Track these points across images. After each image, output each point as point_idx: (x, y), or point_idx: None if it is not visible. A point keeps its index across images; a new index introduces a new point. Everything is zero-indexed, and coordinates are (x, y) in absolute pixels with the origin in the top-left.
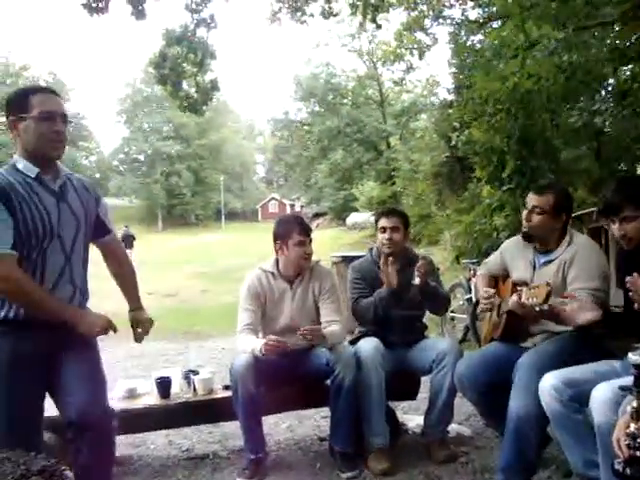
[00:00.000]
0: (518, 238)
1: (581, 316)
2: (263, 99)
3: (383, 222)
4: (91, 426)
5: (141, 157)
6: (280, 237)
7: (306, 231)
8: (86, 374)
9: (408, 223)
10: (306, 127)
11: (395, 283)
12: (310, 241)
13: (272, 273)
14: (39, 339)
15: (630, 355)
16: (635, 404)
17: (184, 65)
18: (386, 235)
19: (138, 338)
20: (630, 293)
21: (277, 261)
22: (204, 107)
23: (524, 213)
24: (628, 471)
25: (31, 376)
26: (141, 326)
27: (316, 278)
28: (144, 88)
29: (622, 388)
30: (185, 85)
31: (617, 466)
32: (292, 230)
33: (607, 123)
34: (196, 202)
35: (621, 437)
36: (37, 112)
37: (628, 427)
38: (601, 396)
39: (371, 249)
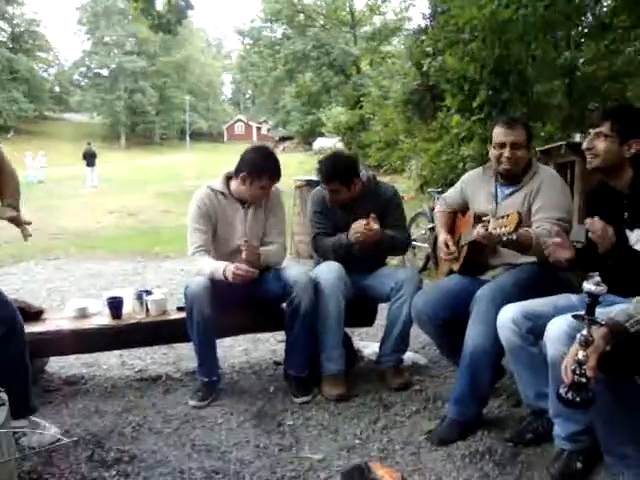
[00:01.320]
0: (478, 171)
1: (561, 253)
2: (232, 18)
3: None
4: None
5: (104, 72)
6: (248, 171)
7: (275, 178)
8: None
9: (350, 176)
10: (275, 47)
11: (357, 245)
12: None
13: (222, 192)
14: None
15: (584, 284)
16: (585, 332)
17: None
18: (327, 196)
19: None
20: (589, 234)
21: (228, 181)
22: (177, 27)
23: (504, 151)
24: (570, 395)
25: None
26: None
27: (269, 199)
28: None
29: (575, 317)
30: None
31: (561, 390)
32: (264, 173)
33: (581, 60)
34: (160, 121)
35: (569, 364)
36: None
37: (577, 355)
38: (556, 330)
39: None
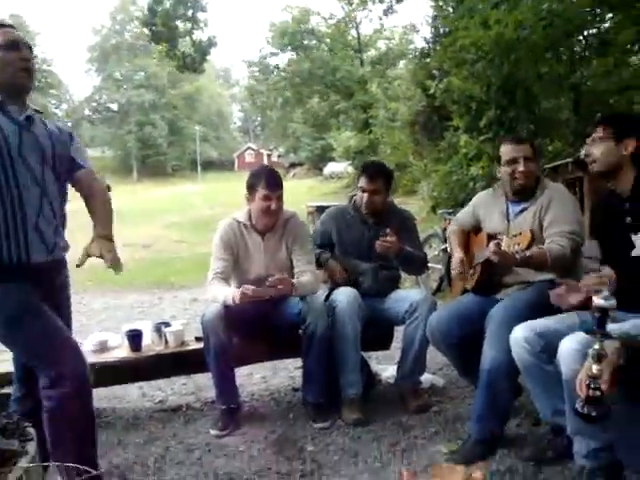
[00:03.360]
0: (488, 191)
1: (571, 298)
2: (240, 47)
3: (363, 183)
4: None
5: (114, 106)
6: (249, 187)
7: (273, 185)
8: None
9: (391, 181)
10: (283, 73)
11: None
12: (279, 196)
13: (245, 224)
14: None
15: (594, 299)
16: (597, 346)
17: (177, 22)
18: (365, 197)
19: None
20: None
21: (249, 212)
22: (202, 65)
23: (518, 166)
24: (586, 410)
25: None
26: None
27: (290, 231)
28: (113, 35)
29: (586, 332)
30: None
31: (577, 405)
32: (259, 183)
33: (586, 75)
34: (171, 152)
35: (583, 379)
36: (2, 40)
37: (590, 369)
38: (568, 348)
39: (352, 197)
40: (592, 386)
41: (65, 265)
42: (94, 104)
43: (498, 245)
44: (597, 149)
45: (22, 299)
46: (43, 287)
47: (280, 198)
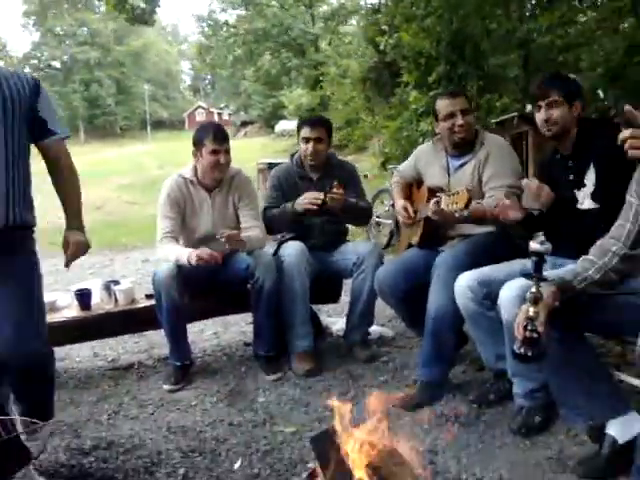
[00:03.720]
0: (428, 145)
1: (511, 214)
2: (187, 1)
3: (306, 132)
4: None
5: (56, 64)
6: (195, 142)
7: (220, 139)
8: (14, 304)
9: (331, 132)
10: (232, 29)
11: (304, 211)
12: (226, 150)
13: (191, 181)
14: None
15: (530, 243)
16: (534, 289)
17: None
18: (310, 147)
19: (66, 262)
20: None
21: (196, 168)
22: (153, 16)
23: (456, 119)
24: (523, 350)
25: None
26: (70, 247)
27: (236, 187)
28: None
29: (524, 275)
30: None
31: (514, 347)
32: (206, 137)
33: (536, 33)
34: (120, 112)
35: (521, 321)
36: None
37: (527, 312)
38: (508, 294)
39: (293, 155)
40: (529, 327)
41: (14, 232)
42: (34, 61)
43: (437, 204)
44: (556, 112)
45: None
46: None
47: (227, 152)
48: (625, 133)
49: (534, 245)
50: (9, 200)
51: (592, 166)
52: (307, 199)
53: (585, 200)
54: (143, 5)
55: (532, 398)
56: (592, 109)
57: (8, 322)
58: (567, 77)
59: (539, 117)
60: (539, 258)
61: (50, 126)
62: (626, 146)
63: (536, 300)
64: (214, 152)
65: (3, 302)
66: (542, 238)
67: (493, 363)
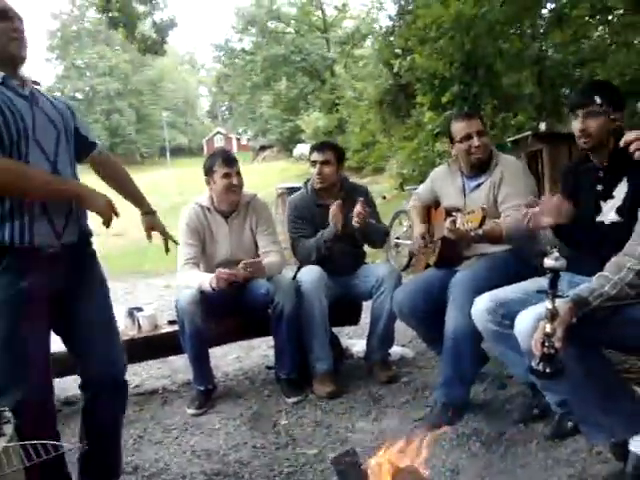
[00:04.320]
0: (444, 167)
1: (544, 220)
2: (203, 30)
3: (314, 156)
4: (110, 387)
5: (79, 95)
6: (207, 171)
7: (229, 162)
8: (107, 323)
9: (342, 156)
10: (248, 57)
11: (340, 227)
12: (237, 172)
13: (208, 208)
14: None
15: (545, 260)
16: (550, 306)
17: (134, 5)
18: (317, 169)
19: (166, 248)
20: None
21: (211, 196)
22: (163, 46)
23: (473, 141)
24: (541, 367)
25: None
26: (158, 231)
27: (252, 212)
28: (73, 21)
29: (539, 292)
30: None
31: (532, 363)
32: (215, 163)
33: (550, 50)
34: (140, 139)
35: (538, 338)
36: None
37: (544, 328)
38: (524, 323)
39: (306, 182)
40: (546, 344)
41: (85, 250)
42: (58, 93)
43: (453, 223)
44: (594, 123)
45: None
46: (54, 274)
47: (239, 174)
48: (630, 135)
49: (549, 262)
50: (78, 214)
51: (625, 180)
52: (333, 218)
53: (610, 213)
54: (154, 36)
55: (565, 406)
56: None
57: (99, 345)
58: (609, 85)
59: (575, 126)
60: (554, 274)
61: (91, 139)
62: (632, 147)
63: (553, 317)
64: (226, 175)
65: (91, 321)
66: (557, 254)
67: (523, 378)
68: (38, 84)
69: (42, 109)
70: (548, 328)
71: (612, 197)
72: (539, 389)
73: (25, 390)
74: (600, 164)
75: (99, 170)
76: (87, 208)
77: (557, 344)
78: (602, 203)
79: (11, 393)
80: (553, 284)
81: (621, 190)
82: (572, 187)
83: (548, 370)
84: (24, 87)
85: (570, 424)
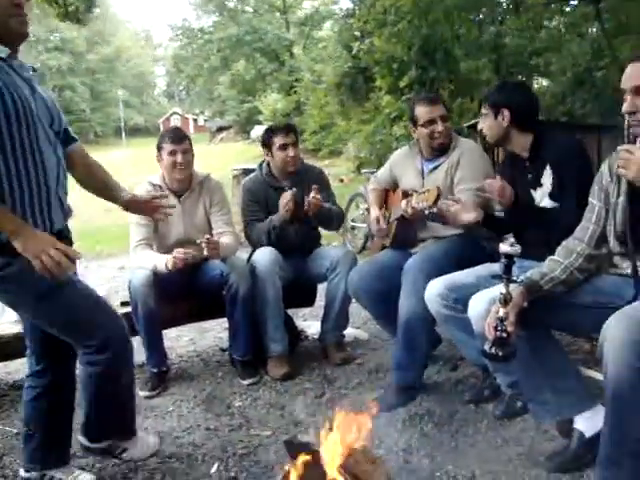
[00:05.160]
0: (405, 149)
1: (464, 216)
2: (159, 7)
3: (282, 139)
4: (127, 342)
5: None
6: (157, 150)
7: (176, 139)
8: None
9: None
10: (206, 36)
11: (289, 216)
12: (184, 151)
13: (159, 186)
14: None
15: (500, 245)
16: (503, 290)
17: None
18: (290, 152)
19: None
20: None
21: (163, 175)
22: (88, 15)
23: (437, 126)
24: (493, 350)
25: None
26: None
27: (206, 192)
28: None
29: (494, 277)
30: None
31: (485, 347)
32: (164, 140)
33: (506, 37)
34: (94, 118)
35: (491, 322)
36: None
37: (497, 312)
38: (477, 307)
39: (261, 165)
40: (499, 328)
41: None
42: None
43: (409, 202)
44: (483, 125)
45: None
46: None
47: (186, 152)
48: (623, 147)
49: (504, 247)
50: (65, 204)
51: (548, 168)
52: (284, 207)
53: (543, 199)
54: (77, 2)
55: (514, 387)
56: (560, 112)
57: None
58: (498, 88)
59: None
60: (509, 260)
61: (72, 133)
62: (619, 162)
63: (506, 301)
64: (172, 153)
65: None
66: (512, 240)
67: (476, 359)
68: (35, 70)
69: (39, 93)
70: (501, 312)
71: (541, 185)
72: (490, 371)
73: (110, 328)
74: (524, 156)
75: (74, 166)
76: (17, 248)
77: (509, 328)
78: (533, 192)
79: (102, 332)
80: (508, 269)
81: (547, 178)
82: (508, 180)
83: (501, 353)
84: (23, 68)
85: (519, 404)
